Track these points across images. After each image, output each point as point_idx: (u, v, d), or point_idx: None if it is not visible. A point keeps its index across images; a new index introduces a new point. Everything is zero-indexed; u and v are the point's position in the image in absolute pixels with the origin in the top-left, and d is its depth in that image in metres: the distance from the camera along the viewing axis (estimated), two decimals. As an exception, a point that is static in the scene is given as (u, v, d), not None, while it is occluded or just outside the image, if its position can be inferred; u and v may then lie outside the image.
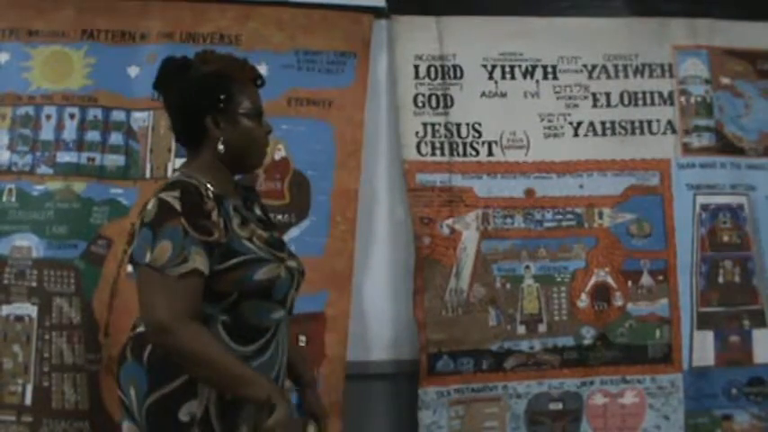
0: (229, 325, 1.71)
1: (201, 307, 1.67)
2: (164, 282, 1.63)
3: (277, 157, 2.77)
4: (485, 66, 2.94)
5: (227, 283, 1.69)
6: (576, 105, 2.98)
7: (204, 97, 1.77)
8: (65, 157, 2.72)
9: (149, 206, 1.70)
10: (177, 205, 1.66)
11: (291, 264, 1.83)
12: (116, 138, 2.74)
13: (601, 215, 2.94)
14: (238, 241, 1.72)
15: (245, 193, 1.90)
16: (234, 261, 1.69)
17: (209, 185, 1.74)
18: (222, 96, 1.78)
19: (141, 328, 1.73)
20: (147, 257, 1.64)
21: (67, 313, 2.64)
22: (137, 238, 1.70)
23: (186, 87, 1.78)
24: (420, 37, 2.91)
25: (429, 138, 2.88)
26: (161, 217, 1.66)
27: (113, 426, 2.60)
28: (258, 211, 1.92)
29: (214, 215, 1.69)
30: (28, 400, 2.61)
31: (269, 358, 1.75)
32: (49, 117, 2.74)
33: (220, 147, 1.78)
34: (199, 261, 1.64)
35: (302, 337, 2.72)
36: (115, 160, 2.73)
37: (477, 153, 2.90)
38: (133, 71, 2.78)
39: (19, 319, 2.64)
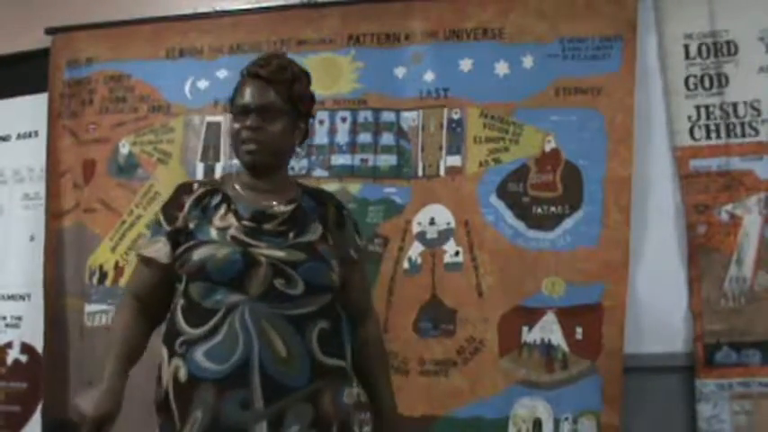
0: (185, 308, 1.76)
1: (150, 290, 1.84)
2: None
3: (547, 148, 2.75)
4: (762, 38, 2.75)
5: (179, 266, 1.78)
6: None
7: None
8: (339, 160, 2.84)
9: None
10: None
11: (263, 251, 1.75)
12: (387, 138, 2.82)
13: None
14: (206, 228, 1.79)
15: (293, 193, 1.90)
16: (187, 245, 1.78)
17: (202, 181, 1.95)
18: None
19: None
20: None
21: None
22: None
23: None
24: (689, 14, 2.77)
25: (703, 121, 2.74)
26: None
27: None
28: (283, 208, 1.84)
29: (186, 206, 1.82)
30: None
31: (221, 341, 1.68)
32: (321, 122, 2.87)
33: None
34: (152, 249, 1.83)
35: (578, 329, 2.69)
36: (387, 160, 2.81)
37: (757, 133, 2.72)
38: (400, 72, 2.85)
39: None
